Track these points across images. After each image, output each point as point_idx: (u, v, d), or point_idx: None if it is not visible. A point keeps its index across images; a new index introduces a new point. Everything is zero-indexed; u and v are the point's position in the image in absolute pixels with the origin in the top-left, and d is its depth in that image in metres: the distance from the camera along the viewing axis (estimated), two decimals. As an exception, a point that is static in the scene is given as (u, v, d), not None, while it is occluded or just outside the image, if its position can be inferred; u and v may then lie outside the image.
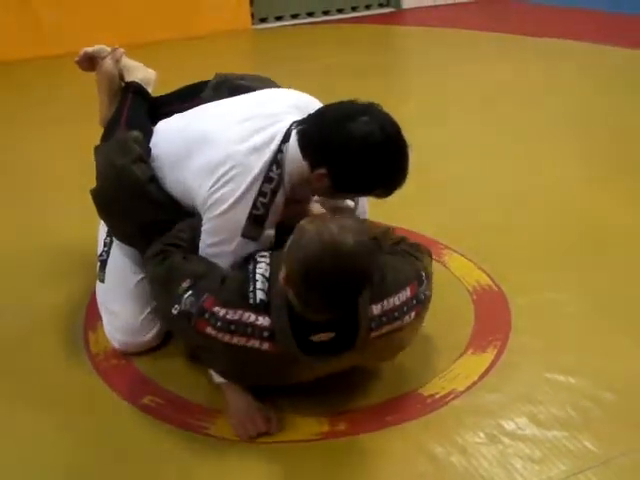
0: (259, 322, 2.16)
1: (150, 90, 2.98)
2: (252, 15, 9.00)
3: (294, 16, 9.39)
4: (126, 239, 2.67)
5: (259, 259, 2.30)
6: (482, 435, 2.28)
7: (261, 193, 2.32)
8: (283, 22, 9.27)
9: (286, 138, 2.36)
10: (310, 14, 9.51)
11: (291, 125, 2.39)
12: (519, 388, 2.48)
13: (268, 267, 2.25)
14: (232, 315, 2.17)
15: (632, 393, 2.44)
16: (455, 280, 3.09)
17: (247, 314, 2.17)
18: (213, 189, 2.34)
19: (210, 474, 2.19)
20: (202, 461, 2.23)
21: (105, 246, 2.75)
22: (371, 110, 2.32)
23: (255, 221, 2.34)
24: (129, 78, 2.97)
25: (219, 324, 2.17)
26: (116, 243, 2.72)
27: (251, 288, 2.20)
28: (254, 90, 2.73)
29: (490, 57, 7.15)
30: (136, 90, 2.92)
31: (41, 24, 7.55)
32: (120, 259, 2.71)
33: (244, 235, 2.35)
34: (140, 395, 2.50)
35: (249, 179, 2.31)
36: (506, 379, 2.52)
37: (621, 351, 2.65)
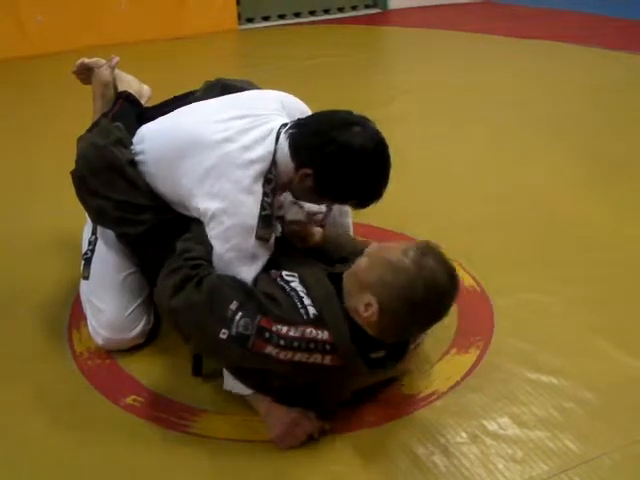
0: (320, 336, 2.16)
1: (143, 102, 3.03)
2: (239, 15, 8.98)
3: (281, 16, 9.38)
4: (99, 217, 2.65)
5: (287, 277, 2.34)
6: (464, 435, 2.29)
7: (264, 194, 2.34)
8: (270, 22, 9.26)
9: (277, 139, 2.40)
10: (297, 14, 9.50)
11: (280, 127, 2.43)
12: (501, 388, 2.49)
13: (300, 284, 2.29)
14: (294, 332, 2.14)
15: (613, 393, 2.46)
16: (439, 281, 3.09)
17: (309, 329, 2.15)
18: (214, 191, 2.35)
19: (193, 472, 2.19)
20: (185, 459, 2.23)
21: (90, 244, 2.73)
22: (365, 123, 2.39)
23: (264, 221, 2.34)
24: (122, 88, 3.02)
25: (282, 342, 2.13)
26: (101, 240, 2.72)
27: (300, 305, 2.21)
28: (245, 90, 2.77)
29: (477, 58, 7.15)
30: (128, 98, 2.96)
31: (25, 24, 7.52)
32: (106, 256, 2.70)
33: (258, 237, 2.34)
34: (123, 394, 2.49)
35: (250, 175, 2.34)
36: (488, 379, 2.53)
37: (603, 352, 2.66)
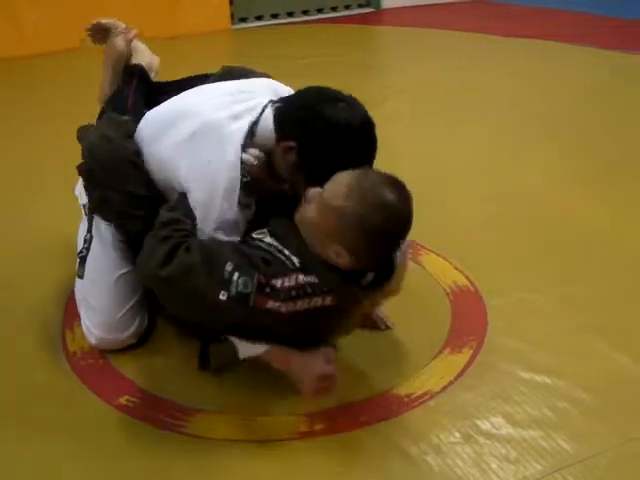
0: (312, 280, 2.18)
1: (152, 76, 3.02)
2: (232, 15, 8.97)
3: (274, 16, 9.36)
4: (102, 209, 2.64)
5: (257, 235, 2.33)
6: (458, 435, 2.29)
7: (242, 161, 2.34)
8: (263, 22, 9.25)
9: (262, 111, 2.41)
10: (290, 14, 9.48)
11: (268, 102, 2.45)
12: (495, 388, 2.49)
13: (272, 238, 2.29)
14: (289, 282, 2.16)
15: (607, 393, 2.46)
16: (432, 280, 3.10)
17: (300, 276, 2.17)
18: (198, 156, 2.37)
19: (187, 473, 2.19)
20: (179, 460, 2.22)
21: (85, 243, 2.71)
22: (351, 101, 2.41)
23: (245, 188, 2.35)
24: (135, 60, 3.00)
25: (282, 295, 2.15)
26: (96, 239, 2.70)
27: (284, 257, 2.22)
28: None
29: (470, 58, 7.15)
30: (141, 75, 2.95)
31: (23, 24, 7.51)
32: (100, 255, 2.69)
33: (240, 203, 2.34)
34: (117, 394, 2.49)
35: (233, 145, 2.35)
36: (482, 379, 2.53)
37: (597, 351, 2.66)
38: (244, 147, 2.36)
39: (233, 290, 2.14)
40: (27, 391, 2.54)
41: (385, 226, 2.17)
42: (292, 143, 2.35)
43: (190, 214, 2.37)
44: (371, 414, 2.38)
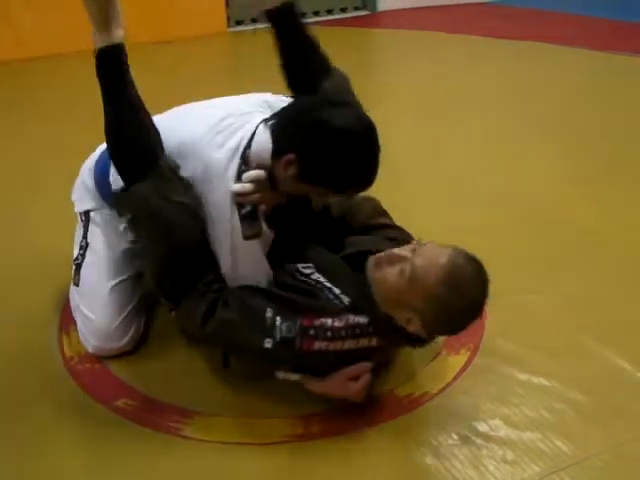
0: (362, 321, 2.21)
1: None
2: (228, 18, 8.97)
3: (270, 19, 9.36)
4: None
5: (304, 270, 2.36)
6: (455, 436, 2.29)
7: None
8: (259, 25, 9.23)
9: (253, 135, 2.33)
10: (286, 17, 9.48)
11: (261, 122, 2.36)
12: (492, 390, 2.49)
13: (320, 274, 2.33)
14: (339, 322, 2.19)
15: (604, 394, 2.47)
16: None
17: (350, 317, 2.20)
18: (205, 199, 2.33)
19: (185, 475, 2.19)
20: (177, 462, 2.23)
21: (81, 249, 2.72)
22: (349, 103, 2.35)
23: (248, 218, 2.29)
24: (116, 19, 2.34)
25: (329, 334, 2.18)
26: (92, 247, 2.71)
27: (332, 295, 2.25)
28: None
29: (466, 60, 7.15)
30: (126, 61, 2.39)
31: (20, 27, 7.50)
32: (95, 264, 2.69)
33: (247, 237, 2.29)
34: (114, 398, 2.49)
35: (223, 184, 2.29)
36: (479, 381, 2.54)
37: (594, 353, 2.67)
38: (239, 176, 2.29)
39: (277, 336, 2.18)
40: (24, 395, 2.54)
41: (467, 317, 2.23)
42: (291, 156, 2.24)
43: (216, 262, 2.38)
44: (369, 416, 2.38)
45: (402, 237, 2.61)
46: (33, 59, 7.23)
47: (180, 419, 2.38)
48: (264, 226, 2.34)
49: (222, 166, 2.30)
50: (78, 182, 2.79)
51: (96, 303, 2.65)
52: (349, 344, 2.20)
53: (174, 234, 2.29)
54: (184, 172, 2.35)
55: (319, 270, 2.34)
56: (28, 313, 2.96)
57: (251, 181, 2.27)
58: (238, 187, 2.27)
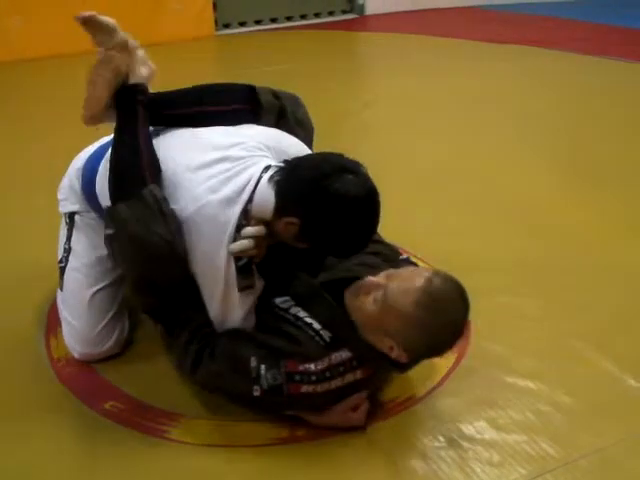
0: (344, 357, 2.22)
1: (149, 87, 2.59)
2: (215, 21, 8.97)
3: (257, 22, 9.38)
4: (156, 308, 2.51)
5: (283, 305, 2.37)
6: (442, 439, 2.30)
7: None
8: (246, 28, 9.25)
9: (256, 185, 2.26)
10: (274, 20, 9.50)
11: (262, 171, 2.28)
12: (478, 392, 2.50)
13: (299, 307, 2.34)
14: (322, 365, 2.20)
15: (590, 397, 2.48)
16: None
17: (333, 356, 2.21)
18: (195, 245, 2.27)
19: (170, 477, 2.19)
20: (163, 465, 2.22)
21: (65, 252, 2.70)
22: (357, 169, 2.24)
23: (243, 271, 2.27)
24: (135, 75, 2.52)
25: (313, 378, 2.19)
26: (74, 253, 2.69)
27: (313, 332, 2.26)
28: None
29: (453, 64, 7.17)
30: (145, 103, 2.50)
31: (7, 30, 7.48)
32: (76, 271, 2.67)
33: (241, 289, 2.29)
34: (101, 400, 2.48)
35: (226, 236, 2.24)
36: (466, 383, 2.54)
37: (579, 355, 2.68)
38: (238, 230, 2.23)
39: (264, 384, 2.20)
40: (11, 398, 2.53)
41: (448, 338, 2.21)
42: (294, 219, 2.20)
43: (201, 307, 2.37)
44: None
45: (386, 251, 2.64)
46: (19, 62, 7.22)
47: (166, 422, 2.38)
48: (256, 276, 2.34)
49: (215, 214, 2.25)
50: (65, 182, 2.76)
51: (77, 309, 2.65)
52: (336, 383, 2.21)
53: (149, 263, 2.26)
54: (174, 204, 2.29)
55: (297, 303, 2.35)
56: (15, 315, 2.96)
57: (251, 237, 2.25)
58: (238, 246, 2.23)
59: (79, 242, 2.69)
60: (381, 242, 2.71)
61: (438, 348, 2.25)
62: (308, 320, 2.28)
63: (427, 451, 2.25)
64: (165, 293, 2.40)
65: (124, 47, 2.51)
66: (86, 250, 2.68)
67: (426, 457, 2.22)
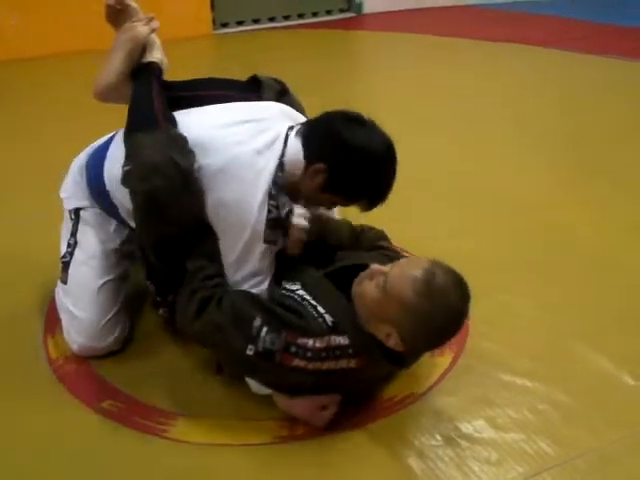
0: (342, 342, 2.21)
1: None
2: (213, 20, 8.97)
3: (255, 21, 9.37)
4: (167, 249, 2.49)
5: (290, 286, 2.39)
6: (439, 438, 2.30)
7: (271, 196, 2.33)
8: (244, 27, 9.25)
9: (285, 141, 2.40)
10: (271, 19, 9.49)
11: (288, 130, 2.43)
12: (476, 391, 2.50)
13: (305, 292, 2.34)
14: (320, 343, 2.19)
15: (587, 395, 2.48)
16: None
17: (332, 337, 2.20)
18: (225, 195, 2.33)
19: (169, 476, 2.19)
20: (161, 463, 2.23)
21: (69, 247, 2.70)
22: (374, 125, 2.47)
23: (274, 225, 2.34)
24: (150, 56, 2.72)
25: (309, 354, 2.18)
26: (81, 246, 2.70)
27: (317, 314, 2.25)
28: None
29: (451, 62, 7.18)
30: (159, 76, 2.67)
31: (4, 29, 7.48)
32: (84, 263, 2.68)
33: (266, 241, 2.34)
34: (99, 399, 2.48)
35: (261, 185, 2.32)
36: (463, 382, 2.54)
37: (577, 354, 2.68)
38: (275, 183, 2.33)
39: (260, 346, 2.19)
40: (10, 398, 2.53)
41: (446, 326, 2.20)
42: (321, 165, 2.36)
43: (215, 255, 2.41)
44: (353, 417, 2.38)
45: (397, 257, 2.63)
46: (14, 61, 7.21)
47: (165, 420, 2.38)
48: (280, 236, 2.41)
49: (251, 161, 2.34)
50: (68, 180, 2.77)
51: (84, 301, 2.65)
52: (328, 364, 2.20)
53: (162, 195, 2.30)
54: (204, 159, 2.35)
55: (304, 287, 2.36)
56: (13, 313, 2.96)
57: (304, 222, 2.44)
58: (299, 221, 2.42)
59: (86, 236, 2.70)
60: (396, 251, 2.75)
61: (435, 339, 2.24)
62: (313, 302, 2.28)
63: (425, 450, 2.25)
64: (180, 243, 2.44)
65: (146, 22, 2.76)
66: (93, 243, 2.69)
67: (424, 456, 2.23)
